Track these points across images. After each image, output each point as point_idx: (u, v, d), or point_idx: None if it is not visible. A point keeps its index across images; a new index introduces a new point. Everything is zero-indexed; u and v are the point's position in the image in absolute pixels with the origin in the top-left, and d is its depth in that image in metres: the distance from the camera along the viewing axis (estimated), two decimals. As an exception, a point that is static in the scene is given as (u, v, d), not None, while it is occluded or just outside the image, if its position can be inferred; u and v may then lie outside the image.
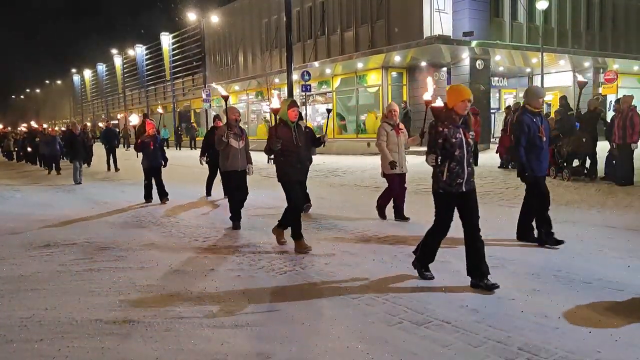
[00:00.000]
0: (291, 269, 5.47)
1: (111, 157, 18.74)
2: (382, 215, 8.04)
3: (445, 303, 4.30)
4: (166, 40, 43.64)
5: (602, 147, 11.45)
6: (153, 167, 10.41)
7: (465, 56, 20.62)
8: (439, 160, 4.64)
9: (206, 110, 29.28)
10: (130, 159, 21.33)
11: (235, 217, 7.75)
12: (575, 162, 11.61)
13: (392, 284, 4.83)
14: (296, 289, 4.83)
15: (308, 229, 7.37)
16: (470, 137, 4.73)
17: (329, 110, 8.08)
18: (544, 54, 20.29)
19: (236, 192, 7.79)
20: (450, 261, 5.50)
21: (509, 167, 14.12)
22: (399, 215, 7.88)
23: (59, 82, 76.74)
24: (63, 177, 16.91)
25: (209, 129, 12.10)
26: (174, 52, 42.80)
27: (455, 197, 4.70)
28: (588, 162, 11.46)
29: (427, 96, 5.61)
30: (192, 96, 39.74)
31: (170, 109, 41.54)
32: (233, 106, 9.60)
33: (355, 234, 7.07)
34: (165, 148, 13.63)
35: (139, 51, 49.16)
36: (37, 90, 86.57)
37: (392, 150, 7.71)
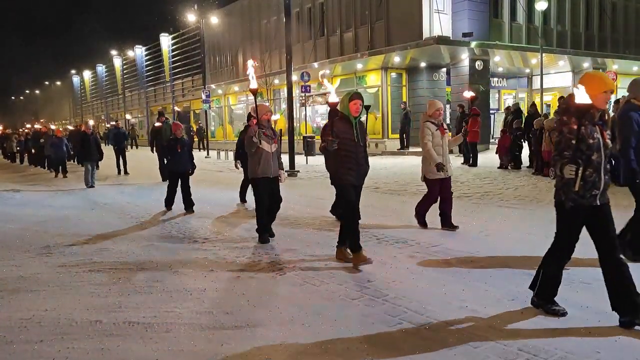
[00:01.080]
0: (291, 270, 5.46)
1: (120, 160, 17.75)
2: (423, 222, 7.36)
3: (445, 304, 4.30)
4: (166, 41, 43.66)
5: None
6: (180, 173, 9.48)
7: (464, 57, 20.66)
8: (579, 171, 3.66)
9: (205, 112, 29.26)
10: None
11: (264, 230, 6.84)
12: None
13: (392, 285, 4.83)
14: (296, 290, 4.83)
15: (308, 232, 7.37)
16: (608, 137, 3.87)
17: (367, 107, 7.58)
18: (543, 54, 20.31)
19: (268, 203, 6.88)
20: (450, 262, 5.51)
21: (509, 167, 14.15)
22: (447, 224, 7.16)
23: (58, 83, 76.75)
24: (72, 180, 16.21)
25: (242, 128, 11.03)
26: (174, 53, 42.81)
27: (586, 212, 3.85)
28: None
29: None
30: (191, 97, 39.77)
31: (169, 110, 41.52)
32: (264, 103, 8.56)
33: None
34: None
35: (138, 52, 49.17)
36: (37, 92, 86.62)
37: (437, 153, 7.04)
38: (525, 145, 14.43)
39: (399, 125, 21.25)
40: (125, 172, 17.56)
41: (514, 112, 14.86)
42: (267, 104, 28.39)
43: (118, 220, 8.87)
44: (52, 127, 23.27)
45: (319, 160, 19.16)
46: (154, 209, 9.90)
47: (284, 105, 25.65)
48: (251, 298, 4.61)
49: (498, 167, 14.37)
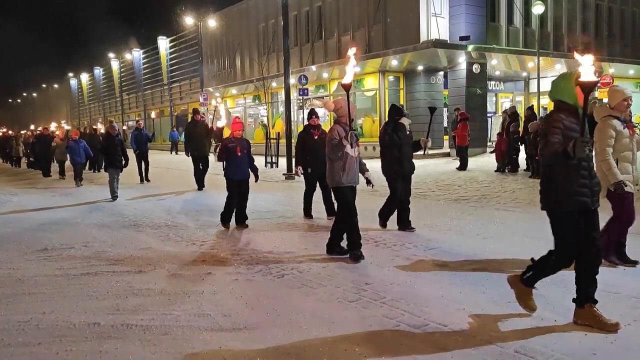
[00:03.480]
0: (289, 272, 5.47)
1: (142, 165, 15.60)
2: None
3: (442, 306, 4.32)
4: (163, 44, 43.67)
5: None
6: (242, 181, 8.02)
7: (461, 60, 20.71)
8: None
9: (203, 114, 29.27)
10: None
11: (357, 246, 5.91)
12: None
13: (390, 287, 4.85)
14: (294, 292, 4.84)
15: (306, 234, 7.39)
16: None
17: (432, 110, 7.14)
18: (540, 58, 20.38)
19: (355, 214, 5.96)
20: (447, 264, 5.52)
21: (505, 171, 14.18)
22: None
23: (56, 85, 76.67)
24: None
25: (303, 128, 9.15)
26: (171, 56, 42.83)
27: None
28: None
29: None
30: (189, 100, 39.76)
31: (167, 113, 41.55)
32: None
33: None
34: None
35: (136, 55, 49.15)
36: (34, 94, 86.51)
37: (624, 160, 5.14)
38: (522, 148, 14.47)
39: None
40: (147, 179, 15.62)
41: (510, 115, 14.91)
42: (265, 107, 28.61)
43: (116, 223, 8.86)
44: (66, 126, 21.57)
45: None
46: (153, 213, 9.89)
47: (281, 109, 25.66)
48: (249, 300, 4.62)
49: (495, 171, 14.40)
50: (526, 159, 13.89)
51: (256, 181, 8.41)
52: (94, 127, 26.87)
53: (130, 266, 5.90)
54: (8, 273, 5.75)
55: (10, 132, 37.70)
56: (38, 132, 24.35)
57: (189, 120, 14.38)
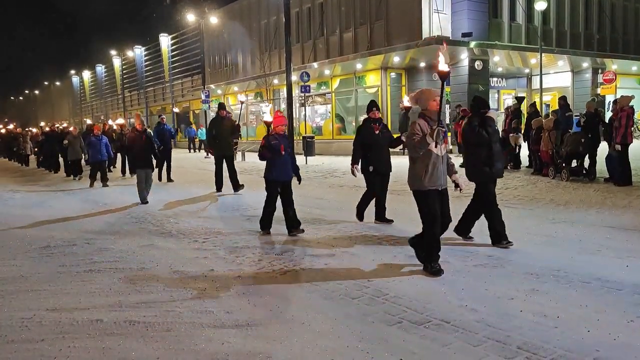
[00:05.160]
0: (291, 269, 5.48)
1: (164, 163, 14.50)
2: None
3: (444, 303, 4.32)
4: (165, 41, 43.66)
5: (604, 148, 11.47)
6: (285, 184, 7.19)
7: (464, 57, 20.67)
8: None
9: (205, 112, 29.27)
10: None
11: (435, 259, 5.16)
12: (574, 163, 11.64)
13: (392, 284, 4.85)
14: (296, 289, 4.85)
15: (308, 230, 7.39)
16: None
17: (520, 100, 5.95)
18: (543, 54, 20.33)
19: (438, 223, 5.20)
20: (449, 261, 5.52)
21: (508, 167, 14.15)
22: None
23: (58, 83, 76.75)
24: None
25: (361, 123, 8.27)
26: (173, 53, 42.81)
27: None
28: (587, 162, 11.49)
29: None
30: (191, 97, 39.76)
31: (169, 110, 41.54)
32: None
33: (355, 235, 7.08)
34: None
35: (137, 52, 49.16)
36: (36, 92, 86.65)
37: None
38: (525, 145, 14.44)
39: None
40: (169, 179, 14.41)
41: (513, 112, 14.88)
42: (268, 104, 28.55)
43: (118, 220, 8.88)
44: (87, 120, 19.31)
45: (318, 161, 19.19)
46: (153, 211, 9.91)
47: (283, 106, 25.64)
48: (251, 297, 4.62)
49: (497, 167, 14.35)
50: (528, 155, 13.86)
51: (299, 183, 7.59)
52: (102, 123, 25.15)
53: (132, 263, 5.91)
54: (11, 270, 5.77)
55: (18, 129, 35.42)
56: (47, 129, 22.46)
57: (214, 116, 12.85)
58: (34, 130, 31.57)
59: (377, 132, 7.62)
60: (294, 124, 18.00)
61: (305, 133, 22.54)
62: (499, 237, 6.11)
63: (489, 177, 6.24)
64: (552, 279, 4.85)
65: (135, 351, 3.59)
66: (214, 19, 32.88)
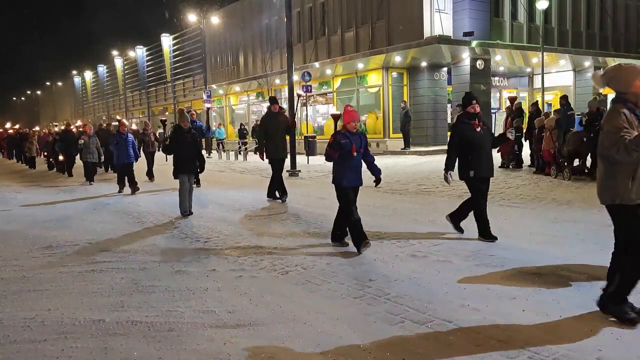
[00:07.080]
0: (293, 269, 5.48)
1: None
2: None
3: (446, 302, 4.31)
4: (167, 41, 43.69)
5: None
6: (355, 189, 6.30)
7: (465, 56, 20.66)
8: None
9: (207, 111, 29.29)
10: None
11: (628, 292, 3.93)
12: (576, 162, 11.63)
13: (394, 284, 4.84)
14: (298, 289, 4.85)
15: (311, 231, 7.39)
16: None
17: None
18: (545, 53, 20.31)
19: None
20: (451, 260, 5.52)
21: (510, 166, 14.14)
22: None
23: (59, 83, 76.90)
24: (72, 179, 12.67)
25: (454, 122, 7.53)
26: (175, 53, 42.84)
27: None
28: (589, 161, 11.48)
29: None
30: (192, 97, 39.80)
31: (171, 110, 41.58)
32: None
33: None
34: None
35: (139, 52, 49.21)
36: (38, 92, 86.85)
37: None
38: (527, 144, 14.43)
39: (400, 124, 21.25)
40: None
41: (515, 111, 14.86)
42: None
43: (120, 220, 8.88)
44: (117, 117, 16.63)
45: (320, 160, 19.18)
46: (155, 210, 9.91)
47: (285, 105, 25.64)
48: (253, 297, 4.62)
49: (499, 167, 14.35)
50: (531, 154, 13.85)
51: (376, 185, 6.53)
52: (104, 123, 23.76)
53: (134, 263, 5.91)
54: (13, 270, 5.78)
55: (26, 129, 33.49)
56: (61, 129, 20.31)
57: (265, 112, 10.95)
58: (44, 130, 29.98)
59: (478, 129, 6.42)
60: (296, 124, 18.00)
61: (307, 133, 22.56)
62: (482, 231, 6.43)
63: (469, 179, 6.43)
64: (554, 279, 4.84)
65: (137, 351, 3.59)
66: (215, 19, 32.90)
